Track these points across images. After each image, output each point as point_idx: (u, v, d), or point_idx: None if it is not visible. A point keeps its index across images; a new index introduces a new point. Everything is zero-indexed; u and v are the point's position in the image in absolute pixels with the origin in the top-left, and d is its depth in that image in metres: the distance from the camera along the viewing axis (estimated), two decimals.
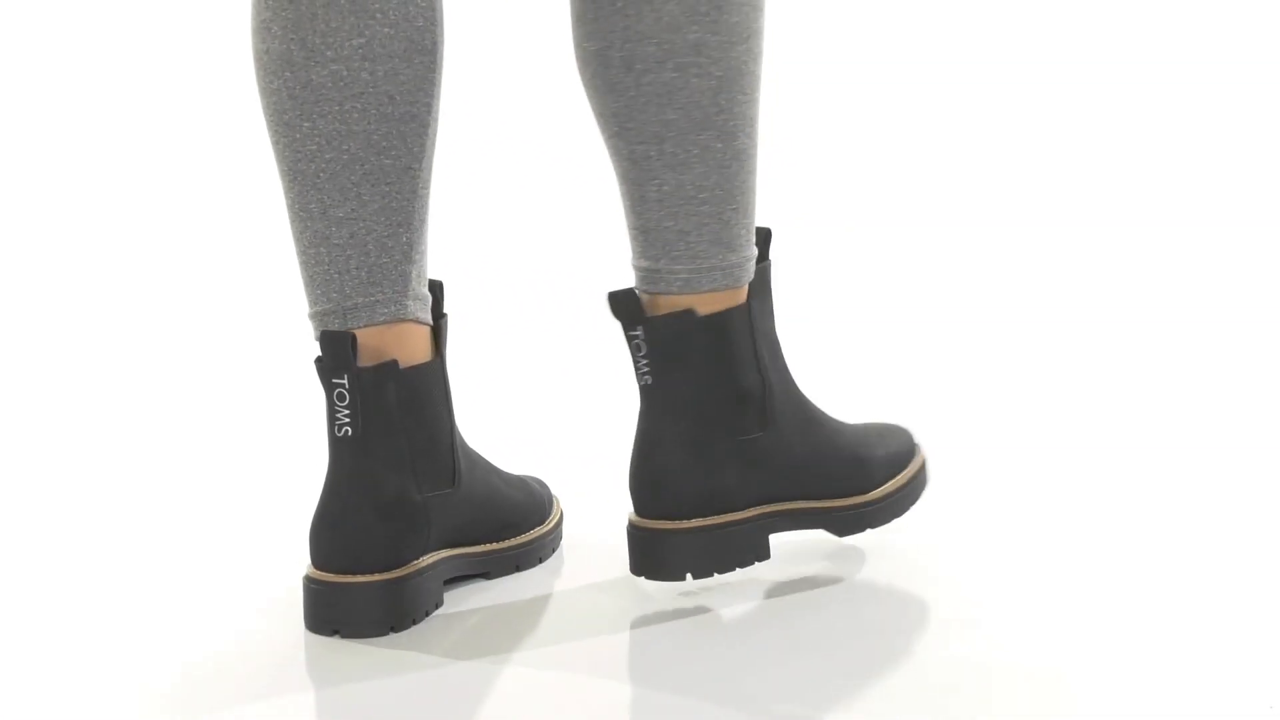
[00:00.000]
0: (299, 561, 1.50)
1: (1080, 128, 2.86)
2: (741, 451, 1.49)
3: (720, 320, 1.48)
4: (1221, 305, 2.44)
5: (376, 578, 1.44)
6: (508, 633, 1.46)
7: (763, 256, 1.53)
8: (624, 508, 1.52)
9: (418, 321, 1.48)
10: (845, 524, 1.55)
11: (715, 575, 1.50)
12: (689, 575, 1.49)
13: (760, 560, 1.51)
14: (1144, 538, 1.67)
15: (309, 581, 1.45)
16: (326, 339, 1.44)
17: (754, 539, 1.51)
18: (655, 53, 1.45)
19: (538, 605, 1.52)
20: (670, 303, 1.49)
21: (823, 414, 1.55)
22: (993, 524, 1.58)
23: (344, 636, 1.45)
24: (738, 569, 1.51)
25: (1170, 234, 2.65)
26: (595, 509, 1.67)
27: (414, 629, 1.46)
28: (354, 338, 1.44)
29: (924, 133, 2.89)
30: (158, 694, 1.38)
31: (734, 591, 1.51)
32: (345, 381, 1.44)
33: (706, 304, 1.48)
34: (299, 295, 1.51)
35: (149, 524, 1.75)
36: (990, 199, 2.77)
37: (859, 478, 1.55)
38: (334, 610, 1.44)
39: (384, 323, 1.46)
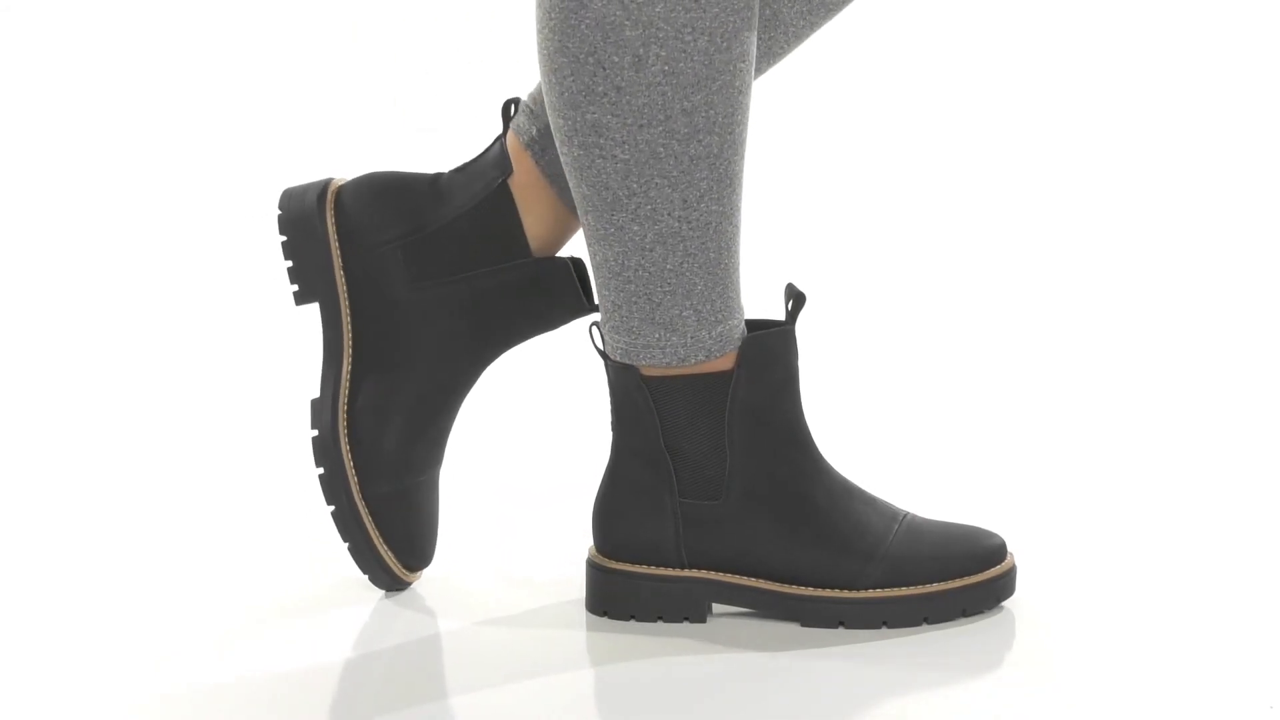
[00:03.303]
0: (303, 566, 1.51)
1: (1073, 140, 2.86)
2: (684, 512, 1.46)
3: (664, 384, 1.45)
4: (1221, 310, 2.44)
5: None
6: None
7: (789, 320, 1.46)
8: None
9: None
10: (817, 616, 1.46)
11: (654, 621, 1.47)
12: (610, 615, 1.48)
13: (693, 621, 1.47)
14: (1143, 538, 1.67)
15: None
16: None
17: (690, 598, 1.47)
18: (564, 126, 1.41)
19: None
20: (630, 370, 1.46)
21: (856, 499, 1.47)
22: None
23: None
24: (665, 620, 1.47)
25: (1170, 241, 2.65)
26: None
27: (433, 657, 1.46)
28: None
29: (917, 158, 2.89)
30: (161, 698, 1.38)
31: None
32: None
33: (675, 373, 1.45)
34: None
35: (154, 524, 1.75)
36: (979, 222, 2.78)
37: (844, 570, 1.45)
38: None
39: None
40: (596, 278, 1.45)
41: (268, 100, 2.87)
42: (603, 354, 1.47)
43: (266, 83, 2.88)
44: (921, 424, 2.05)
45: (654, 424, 1.45)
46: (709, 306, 1.43)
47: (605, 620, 1.48)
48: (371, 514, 1.51)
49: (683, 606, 1.47)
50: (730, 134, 1.41)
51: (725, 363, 1.45)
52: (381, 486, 1.51)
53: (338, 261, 1.53)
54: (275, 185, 1.57)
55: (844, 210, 2.76)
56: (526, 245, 1.51)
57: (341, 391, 1.51)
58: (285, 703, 1.35)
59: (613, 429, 1.48)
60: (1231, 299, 2.46)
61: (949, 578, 1.46)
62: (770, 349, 1.45)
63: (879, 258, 2.64)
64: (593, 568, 1.49)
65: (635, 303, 1.43)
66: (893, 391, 2.18)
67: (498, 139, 1.54)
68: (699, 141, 1.40)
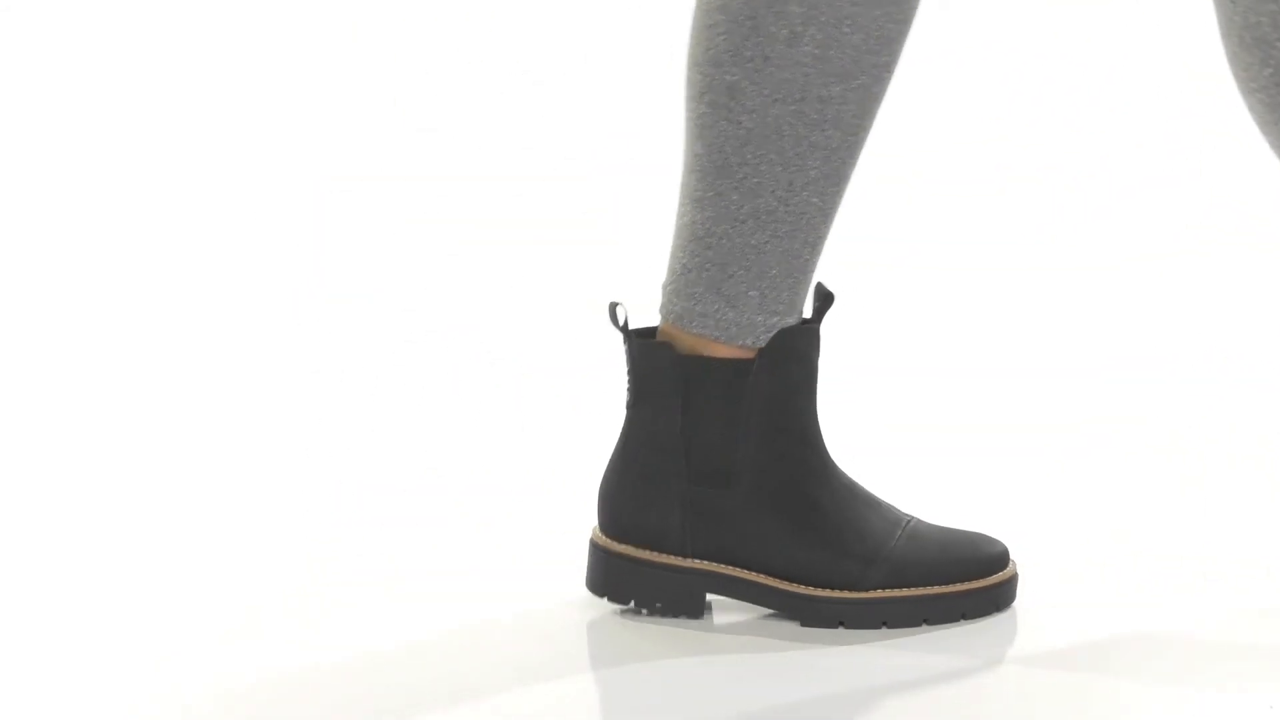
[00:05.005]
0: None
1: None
2: (692, 499, 1.46)
3: (693, 364, 1.45)
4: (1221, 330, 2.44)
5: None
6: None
7: (815, 318, 1.46)
8: None
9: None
10: (816, 615, 1.45)
11: (641, 607, 1.47)
12: (610, 598, 1.48)
13: (689, 615, 1.46)
14: (1142, 538, 1.66)
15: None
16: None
17: (692, 589, 1.46)
18: (699, 81, 1.42)
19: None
20: (663, 330, 1.46)
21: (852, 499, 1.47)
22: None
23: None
24: (662, 609, 1.46)
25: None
26: None
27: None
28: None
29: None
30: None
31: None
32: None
33: (693, 344, 1.45)
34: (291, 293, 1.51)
35: (150, 525, 1.75)
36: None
37: (845, 572, 1.45)
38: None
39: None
40: (676, 239, 1.45)
41: (268, 100, 2.87)
42: (629, 333, 1.47)
43: (266, 83, 2.88)
44: (926, 430, 2.05)
45: (675, 406, 1.45)
46: (774, 294, 1.43)
47: (604, 620, 1.48)
48: None
49: (683, 597, 1.47)
50: (853, 135, 1.42)
51: (754, 353, 1.45)
52: None
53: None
54: (275, 185, 1.57)
55: (846, 212, 2.75)
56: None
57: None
58: (285, 703, 1.35)
59: (628, 409, 1.47)
60: (1237, 305, 2.45)
61: (950, 581, 1.46)
62: (793, 345, 1.45)
63: (882, 259, 2.63)
64: (596, 549, 1.48)
65: (707, 269, 1.43)
66: (897, 396, 2.18)
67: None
68: (823, 131, 1.41)
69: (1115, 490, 1.80)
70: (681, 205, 1.45)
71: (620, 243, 2.43)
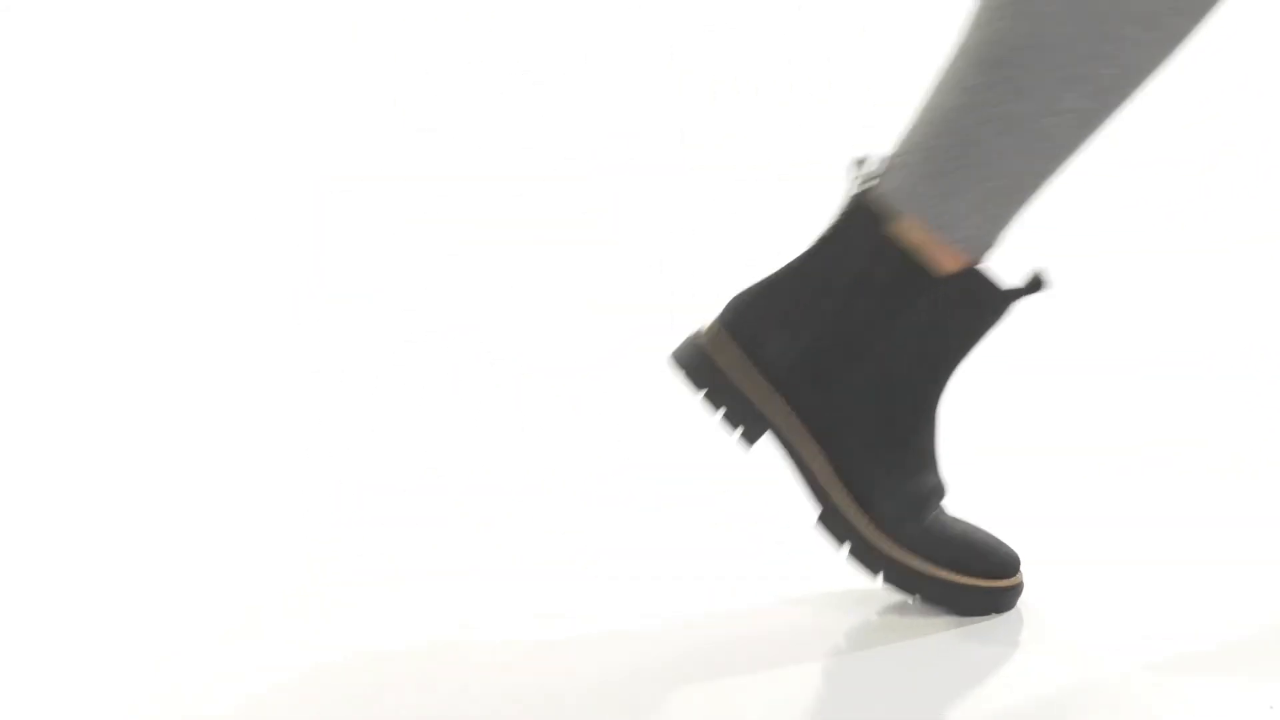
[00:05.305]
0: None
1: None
2: (815, 351, 1.47)
3: (892, 249, 1.45)
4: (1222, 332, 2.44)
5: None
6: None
7: (1022, 293, 1.46)
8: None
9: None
10: (835, 524, 1.48)
11: (708, 402, 1.48)
12: (688, 376, 1.49)
13: (746, 439, 1.48)
14: (1142, 539, 1.67)
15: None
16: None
17: (759, 422, 1.48)
18: None
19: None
20: (869, 195, 1.46)
21: (916, 460, 1.48)
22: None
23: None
24: (723, 418, 1.48)
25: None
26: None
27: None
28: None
29: None
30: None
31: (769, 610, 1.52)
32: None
33: (895, 223, 1.44)
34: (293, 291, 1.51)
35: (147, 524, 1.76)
36: None
37: (888, 509, 1.48)
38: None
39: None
40: (920, 115, 1.45)
41: (268, 100, 2.87)
42: (858, 189, 1.46)
43: (267, 83, 2.88)
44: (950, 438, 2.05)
45: (850, 276, 1.46)
46: (990, 204, 1.43)
47: (603, 620, 1.48)
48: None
49: (747, 424, 1.48)
50: (1124, 84, 1.40)
51: (945, 263, 1.44)
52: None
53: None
54: (276, 185, 1.57)
55: None
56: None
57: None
58: (285, 702, 1.35)
59: (819, 241, 1.47)
60: (1248, 313, 2.46)
61: (958, 570, 1.47)
62: (985, 296, 1.45)
63: None
64: (696, 342, 1.49)
65: (938, 154, 1.43)
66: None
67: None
68: (1101, 66, 1.39)
69: (1114, 491, 1.80)
70: (936, 88, 1.44)
71: (620, 243, 2.43)
